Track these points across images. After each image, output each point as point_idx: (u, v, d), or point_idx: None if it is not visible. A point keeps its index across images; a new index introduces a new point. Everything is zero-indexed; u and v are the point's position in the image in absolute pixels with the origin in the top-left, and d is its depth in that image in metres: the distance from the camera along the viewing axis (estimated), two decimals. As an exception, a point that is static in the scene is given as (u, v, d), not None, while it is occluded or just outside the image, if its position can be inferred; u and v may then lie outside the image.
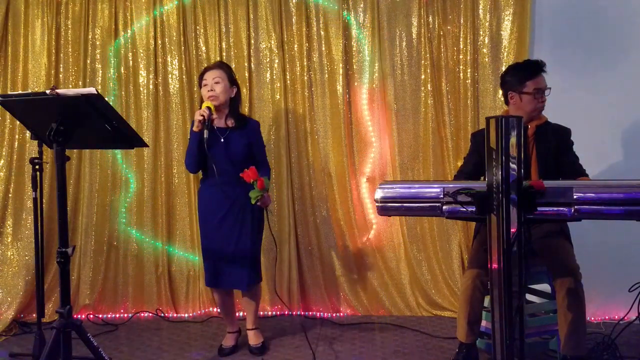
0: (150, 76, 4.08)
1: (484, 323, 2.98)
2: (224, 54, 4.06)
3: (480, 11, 3.91)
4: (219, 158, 3.22)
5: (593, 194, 2.15)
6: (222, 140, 3.25)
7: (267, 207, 3.24)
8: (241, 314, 3.92)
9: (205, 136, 3.10)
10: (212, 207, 3.30)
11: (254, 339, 3.43)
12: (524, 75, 3.00)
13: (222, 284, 3.34)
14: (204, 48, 4.09)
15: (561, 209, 2.18)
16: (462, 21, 3.92)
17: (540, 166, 2.96)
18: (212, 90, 3.24)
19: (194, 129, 3.17)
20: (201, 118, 3.11)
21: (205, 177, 3.36)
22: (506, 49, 3.88)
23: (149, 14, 4.08)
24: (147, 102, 4.09)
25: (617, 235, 3.55)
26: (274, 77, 4.05)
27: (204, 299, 4.12)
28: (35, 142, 3.25)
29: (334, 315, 4.03)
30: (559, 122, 3.08)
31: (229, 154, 3.24)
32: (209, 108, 3.17)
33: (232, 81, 3.32)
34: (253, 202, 3.10)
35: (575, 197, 2.15)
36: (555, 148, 2.99)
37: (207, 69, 3.32)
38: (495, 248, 2.12)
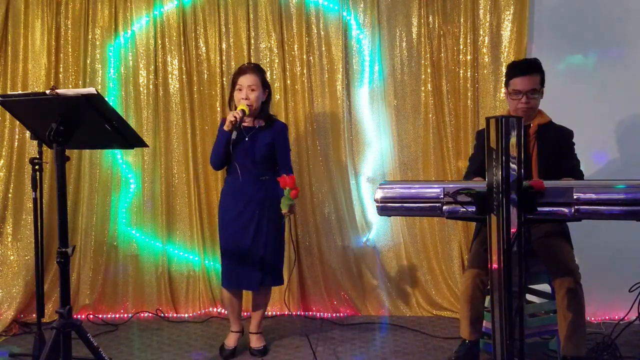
0: (150, 76, 4.08)
1: (484, 323, 2.98)
2: (224, 54, 4.06)
3: (480, 11, 3.91)
4: (242, 156, 3.25)
5: (593, 194, 2.15)
6: (246, 139, 3.25)
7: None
8: (247, 313, 3.92)
9: (233, 137, 3.13)
10: (230, 205, 3.30)
11: (256, 342, 3.41)
12: (510, 73, 3.01)
13: (234, 284, 3.33)
14: (204, 48, 4.09)
15: (561, 209, 2.18)
16: (462, 21, 3.92)
17: (540, 165, 2.96)
18: (247, 98, 3.22)
19: (225, 128, 3.18)
20: (233, 119, 3.11)
21: (228, 175, 3.37)
22: (506, 49, 3.88)
23: (149, 14, 4.07)
24: (147, 102, 4.09)
25: (617, 235, 3.55)
26: (274, 77, 4.05)
27: (204, 299, 4.11)
28: (35, 142, 3.25)
29: (334, 315, 4.03)
30: (558, 122, 3.07)
31: (251, 153, 3.24)
32: (243, 111, 3.16)
33: (265, 85, 3.32)
34: (285, 210, 3.12)
35: (575, 197, 2.15)
36: (556, 148, 2.98)
37: (242, 72, 3.27)
38: (495, 248, 2.12)
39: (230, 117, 3.15)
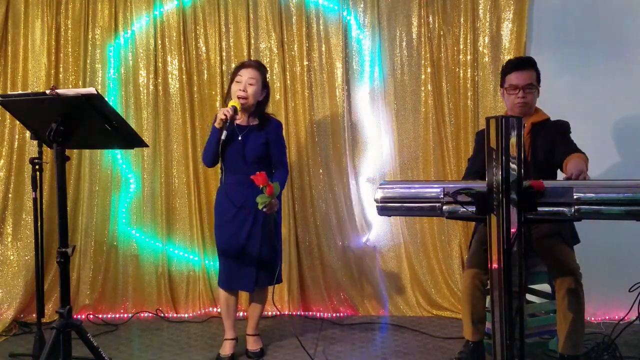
0: (150, 76, 4.08)
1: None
2: (224, 54, 4.06)
3: (480, 11, 3.91)
4: (235, 156, 3.17)
5: (593, 194, 2.14)
6: (239, 138, 3.18)
7: (273, 214, 3.13)
8: (241, 314, 3.93)
9: (222, 137, 3.05)
10: (225, 205, 3.22)
11: (253, 344, 3.37)
12: (505, 71, 3.04)
13: (231, 285, 3.28)
14: (204, 48, 4.09)
15: (561, 209, 2.18)
16: (462, 21, 3.93)
17: (533, 163, 2.94)
18: (244, 90, 3.13)
19: (216, 125, 3.11)
20: (224, 117, 3.05)
21: (223, 175, 3.26)
22: (506, 49, 3.88)
23: (149, 14, 4.08)
24: (147, 102, 4.10)
25: (617, 235, 3.55)
26: (274, 77, 4.05)
27: (204, 299, 4.11)
28: (35, 142, 3.25)
29: (334, 315, 4.03)
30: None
31: (244, 153, 3.17)
32: (234, 107, 3.08)
33: (265, 84, 3.26)
34: (260, 207, 3.01)
35: (575, 197, 2.15)
36: (550, 142, 2.94)
37: (244, 66, 3.21)
38: (495, 248, 2.12)
39: (220, 115, 3.08)
